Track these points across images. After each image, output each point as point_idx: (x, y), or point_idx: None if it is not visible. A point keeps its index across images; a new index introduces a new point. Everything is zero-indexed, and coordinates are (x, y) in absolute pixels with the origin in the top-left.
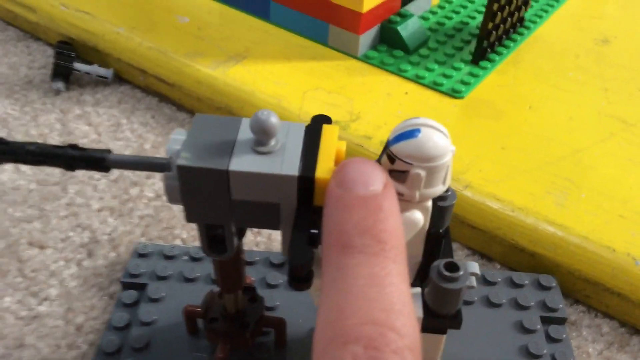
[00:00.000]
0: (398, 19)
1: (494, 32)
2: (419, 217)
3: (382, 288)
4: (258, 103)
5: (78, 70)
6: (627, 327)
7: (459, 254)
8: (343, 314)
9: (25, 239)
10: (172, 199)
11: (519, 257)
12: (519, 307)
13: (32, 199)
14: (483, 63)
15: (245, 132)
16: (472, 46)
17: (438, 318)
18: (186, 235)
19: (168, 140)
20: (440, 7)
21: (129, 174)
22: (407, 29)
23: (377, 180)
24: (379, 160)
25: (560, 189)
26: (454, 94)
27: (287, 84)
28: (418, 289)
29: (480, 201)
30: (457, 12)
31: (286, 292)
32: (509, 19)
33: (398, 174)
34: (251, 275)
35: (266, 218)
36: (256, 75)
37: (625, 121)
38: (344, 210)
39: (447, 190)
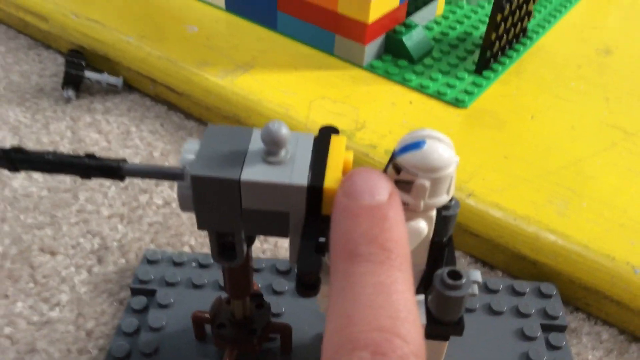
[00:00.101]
0: (403, 29)
1: (497, 43)
2: (423, 227)
3: (388, 296)
4: (265, 112)
5: (88, 79)
6: (626, 334)
7: (462, 262)
8: (351, 321)
9: (37, 245)
10: (184, 207)
11: (521, 265)
12: (520, 314)
13: (44, 205)
14: (486, 73)
15: (256, 143)
16: (476, 56)
17: (441, 325)
18: (194, 242)
19: (178, 148)
20: (445, 17)
21: (138, 181)
22: (412, 39)
23: (382, 190)
24: (385, 170)
25: (562, 198)
26: (457, 103)
27: (294, 93)
28: (422, 296)
29: (483, 210)
30: (460, 23)
31: (292, 299)
32: (512, 29)
33: (404, 184)
34: (258, 282)
35: (275, 226)
36: (263, 85)
37: (626, 131)
38: (351, 220)
39: (450, 200)
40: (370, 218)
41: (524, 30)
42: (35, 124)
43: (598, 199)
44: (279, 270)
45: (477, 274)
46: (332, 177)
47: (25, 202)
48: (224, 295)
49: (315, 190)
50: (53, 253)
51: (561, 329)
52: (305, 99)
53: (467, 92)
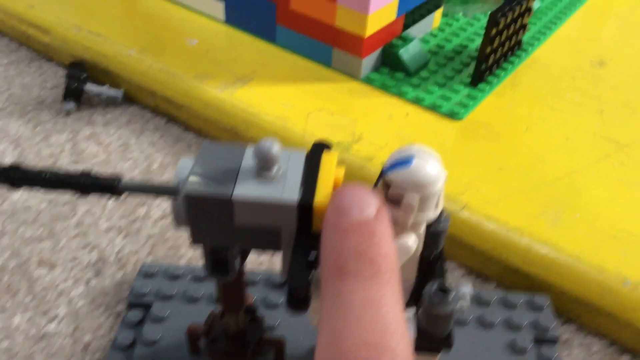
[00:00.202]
0: (399, 42)
1: (492, 56)
2: (413, 242)
3: (377, 310)
4: (263, 125)
5: (89, 92)
6: (617, 346)
7: (456, 274)
8: (341, 336)
9: (35, 258)
10: (178, 223)
11: (514, 277)
12: (512, 327)
13: (43, 218)
14: (481, 85)
15: (249, 160)
16: (471, 69)
17: (430, 339)
18: (191, 254)
19: (177, 160)
20: (441, 29)
21: None
22: (408, 52)
23: (370, 205)
24: (375, 186)
25: (555, 210)
26: (453, 115)
27: (292, 105)
28: (412, 310)
29: (477, 222)
30: (457, 35)
31: (286, 312)
32: (507, 42)
33: (393, 200)
34: (253, 295)
35: (268, 241)
36: (262, 97)
37: (619, 142)
38: (339, 236)
39: (441, 215)
40: (358, 234)
41: (519, 43)
42: (36, 136)
43: (590, 210)
44: (274, 283)
45: (467, 288)
46: (322, 194)
47: (24, 215)
48: (218, 308)
49: (305, 207)
50: (51, 266)
51: (553, 341)
52: (303, 111)
53: (462, 104)
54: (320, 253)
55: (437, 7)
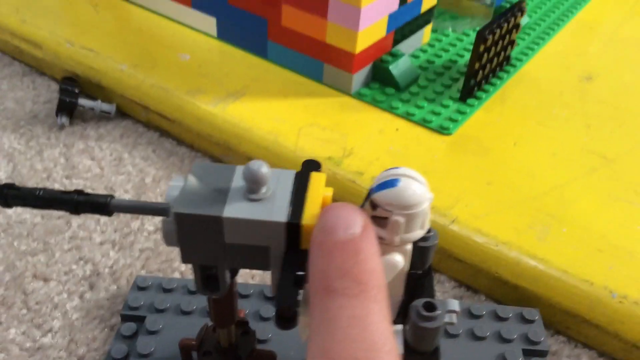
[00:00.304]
0: (390, 58)
1: (480, 72)
2: (399, 260)
3: (364, 328)
4: (255, 139)
5: (82, 106)
6: (605, 357)
7: (446, 286)
8: (329, 354)
9: (30, 271)
10: (169, 242)
11: (503, 290)
12: (503, 340)
13: (37, 232)
14: (470, 101)
15: (238, 180)
16: (461, 84)
17: (417, 355)
18: (185, 267)
19: (169, 174)
20: (431, 45)
21: None
22: (398, 68)
23: (355, 223)
24: (362, 206)
25: (543, 224)
26: (442, 130)
27: (284, 120)
28: (400, 326)
29: (467, 236)
30: (446, 51)
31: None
32: (496, 58)
33: (379, 220)
34: (245, 308)
35: (257, 260)
36: (254, 112)
37: (605, 157)
38: (326, 255)
39: (429, 231)
40: (344, 252)
41: (507, 58)
42: (29, 150)
43: (578, 224)
44: (267, 296)
45: (454, 304)
46: (310, 213)
47: (19, 228)
48: (210, 322)
49: (293, 226)
50: (46, 279)
51: (543, 354)
52: (295, 126)
53: (451, 119)
54: (308, 273)
55: (426, 22)
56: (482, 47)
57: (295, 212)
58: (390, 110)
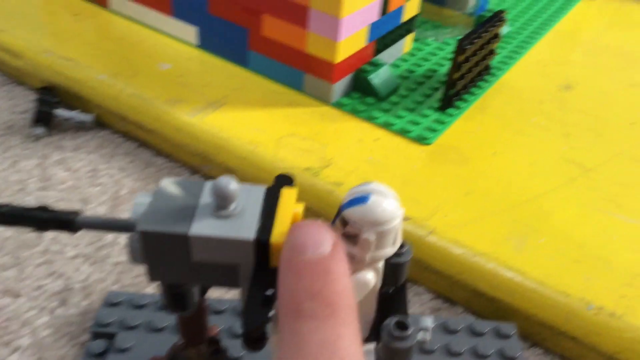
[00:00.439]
0: (370, 67)
1: (460, 81)
2: (370, 278)
3: (334, 353)
4: (234, 150)
5: (59, 116)
6: None
7: (423, 298)
8: None
9: (0, 287)
10: (135, 259)
11: (481, 302)
12: (479, 356)
13: (8, 246)
14: (450, 110)
15: (207, 196)
16: (441, 93)
17: None
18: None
19: (146, 185)
20: (412, 54)
21: None
22: (379, 77)
23: (325, 242)
24: (333, 223)
25: (520, 234)
26: (421, 140)
27: (263, 130)
28: (372, 345)
29: (444, 247)
30: (427, 60)
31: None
32: (475, 67)
33: (350, 237)
34: (219, 325)
35: (226, 278)
36: (233, 122)
37: (583, 166)
38: (294, 275)
39: (402, 247)
40: (312, 272)
41: (487, 68)
42: (4, 161)
43: (555, 235)
44: (241, 312)
45: (428, 321)
46: (279, 231)
47: None
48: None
49: (262, 244)
50: (15, 295)
51: None
52: (274, 136)
53: (431, 129)
54: (277, 294)
55: (408, 32)
56: (461, 57)
57: (264, 229)
58: (370, 120)
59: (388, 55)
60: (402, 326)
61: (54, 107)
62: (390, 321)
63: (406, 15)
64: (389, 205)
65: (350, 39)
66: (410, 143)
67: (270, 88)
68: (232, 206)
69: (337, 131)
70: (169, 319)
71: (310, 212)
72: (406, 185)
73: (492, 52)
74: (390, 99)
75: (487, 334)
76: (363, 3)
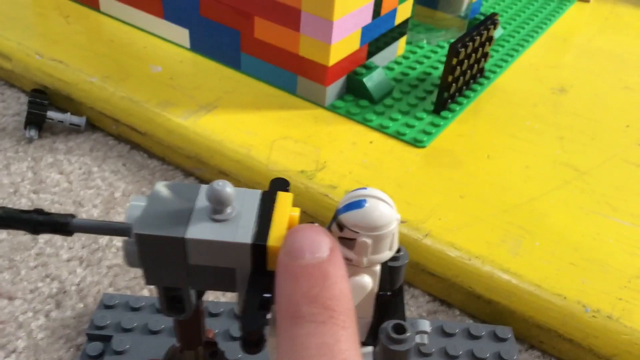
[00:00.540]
0: (363, 70)
1: (453, 84)
2: (367, 281)
3: (332, 356)
4: (227, 152)
5: (51, 119)
6: None
7: (420, 300)
8: None
9: None
10: (131, 263)
11: (477, 304)
12: (475, 358)
13: (2, 249)
14: (444, 113)
15: (202, 200)
16: (434, 96)
17: None
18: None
19: (140, 188)
20: (405, 57)
21: None
22: (372, 80)
23: (322, 246)
24: (329, 227)
25: (515, 237)
26: (416, 143)
27: (256, 133)
28: (370, 348)
29: (440, 249)
30: (420, 63)
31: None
32: (469, 70)
33: (347, 241)
34: (215, 328)
35: (223, 281)
36: (226, 125)
37: (578, 169)
38: (292, 280)
39: (398, 251)
40: (311, 277)
41: (481, 70)
42: None
43: (550, 238)
44: (237, 315)
45: (425, 324)
46: (276, 235)
47: None
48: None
49: (258, 248)
50: (11, 298)
51: None
52: (267, 139)
53: (425, 132)
54: (275, 298)
55: (401, 35)
56: (455, 60)
57: (260, 234)
58: (364, 122)
59: (381, 58)
60: (400, 329)
61: (46, 110)
62: (388, 324)
63: (399, 18)
64: (385, 210)
65: (343, 42)
66: (404, 146)
67: (263, 91)
68: (228, 210)
69: (331, 134)
70: (164, 322)
71: (305, 215)
72: (401, 188)
73: (485, 55)
74: (384, 102)
75: (484, 337)
76: (355, 6)
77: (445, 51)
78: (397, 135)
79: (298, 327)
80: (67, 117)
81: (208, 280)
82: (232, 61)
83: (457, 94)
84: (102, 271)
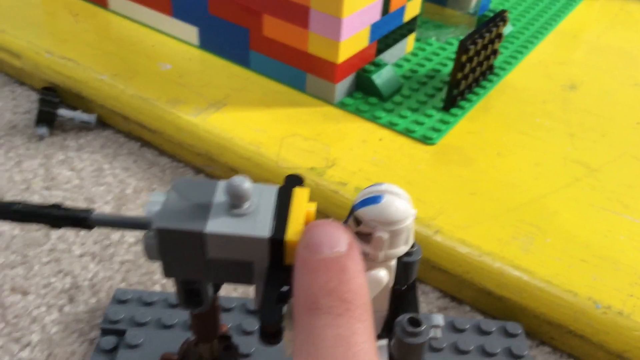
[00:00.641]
0: (372, 68)
1: (463, 81)
2: (383, 276)
3: (348, 348)
4: (237, 150)
5: (62, 116)
6: None
7: (430, 297)
8: None
9: (8, 284)
10: (150, 256)
11: (488, 301)
12: (486, 354)
13: (16, 245)
14: (454, 110)
15: (220, 195)
16: (444, 93)
17: None
18: (165, 281)
19: (151, 185)
20: (414, 54)
21: None
22: (381, 77)
23: (341, 241)
24: (345, 222)
25: (526, 234)
26: (425, 140)
27: (266, 130)
28: (385, 341)
29: (450, 246)
30: (429, 60)
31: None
32: (478, 67)
33: (363, 236)
34: (227, 322)
35: (240, 275)
36: (235, 122)
37: (589, 166)
38: (310, 273)
39: (412, 246)
40: (329, 271)
41: (490, 68)
42: (7, 161)
43: (561, 235)
44: (249, 310)
45: (439, 318)
46: (294, 229)
47: None
48: (192, 336)
49: (277, 242)
50: (24, 293)
51: None
52: (277, 137)
53: (435, 129)
54: (293, 291)
55: (410, 32)
56: (464, 57)
57: (278, 228)
58: (374, 120)
59: (390, 56)
60: (416, 322)
61: (56, 107)
62: (404, 317)
63: (408, 15)
64: (401, 205)
65: (352, 39)
66: (414, 143)
67: (272, 88)
68: (246, 205)
69: (340, 131)
70: (178, 316)
71: (316, 215)
72: (411, 185)
73: (495, 52)
74: (393, 99)
75: (494, 333)
76: (364, 3)
77: (454, 48)
78: (407, 133)
79: (315, 319)
80: (78, 115)
81: (226, 274)
82: (241, 59)
83: (466, 91)
84: (115, 267)
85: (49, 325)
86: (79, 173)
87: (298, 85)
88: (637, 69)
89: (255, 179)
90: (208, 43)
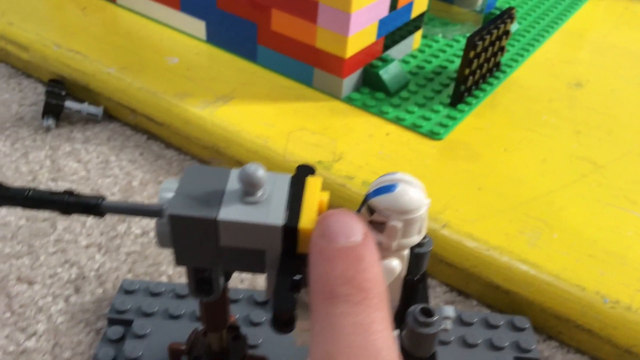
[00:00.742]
0: (380, 63)
1: (470, 78)
2: (396, 265)
3: (367, 336)
4: (244, 143)
5: (69, 108)
6: None
7: (438, 291)
8: None
9: (14, 274)
10: (162, 244)
11: (495, 295)
12: (494, 347)
13: (22, 235)
14: (461, 106)
15: (233, 183)
16: (451, 89)
17: None
18: (172, 271)
19: (157, 177)
20: (421, 50)
21: None
22: (389, 73)
23: (357, 231)
24: (359, 211)
25: (533, 229)
26: (433, 135)
27: (273, 124)
28: (396, 332)
29: (458, 240)
30: (436, 56)
31: (269, 330)
32: (486, 64)
33: (377, 225)
34: (235, 313)
35: (252, 263)
36: (243, 116)
37: (595, 163)
38: (327, 262)
39: (424, 238)
40: (345, 260)
41: (497, 64)
42: (14, 153)
43: (568, 230)
44: (257, 301)
45: (449, 310)
46: (307, 218)
47: (3, 231)
48: (200, 327)
49: (290, 230)
50: (30, 282)
51: None
52: (284, 131)
53: (442, 124)
54: (309, 279)
55: (417, 28)
56: (472, 54)
57: (292, 216)
58: (381, 115)
59: (397, 52)
60: (428, 312)
61: (63, 100)
62: (416, 308)
63: (415, 12)
64: (415, 194)
65: (360, 34)
66: (421, 138)
67: (279, 82)
68: (259, 193)
69: (347, 126)
70: (185, 307)
71: (328, 206)
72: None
73: (502, 49)
74: (400, 95)
75: (502, 327)
76: None
77: (460, 45)
78: (414, 128)
79: (333, 307)
80: (85, 107)
81: (237, 262)
82: (249, 53)
83: (473, 87)
84: (121, 258)
85: (55, 315)
86: (86, 165)
87: (305, 79)
88: None
89: None
90: (215, 37)
